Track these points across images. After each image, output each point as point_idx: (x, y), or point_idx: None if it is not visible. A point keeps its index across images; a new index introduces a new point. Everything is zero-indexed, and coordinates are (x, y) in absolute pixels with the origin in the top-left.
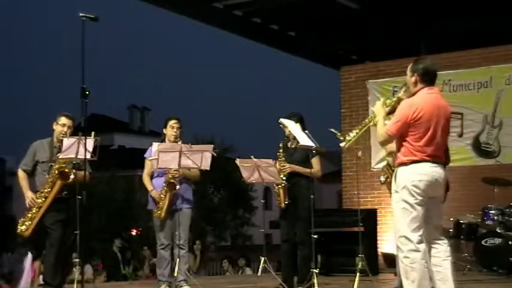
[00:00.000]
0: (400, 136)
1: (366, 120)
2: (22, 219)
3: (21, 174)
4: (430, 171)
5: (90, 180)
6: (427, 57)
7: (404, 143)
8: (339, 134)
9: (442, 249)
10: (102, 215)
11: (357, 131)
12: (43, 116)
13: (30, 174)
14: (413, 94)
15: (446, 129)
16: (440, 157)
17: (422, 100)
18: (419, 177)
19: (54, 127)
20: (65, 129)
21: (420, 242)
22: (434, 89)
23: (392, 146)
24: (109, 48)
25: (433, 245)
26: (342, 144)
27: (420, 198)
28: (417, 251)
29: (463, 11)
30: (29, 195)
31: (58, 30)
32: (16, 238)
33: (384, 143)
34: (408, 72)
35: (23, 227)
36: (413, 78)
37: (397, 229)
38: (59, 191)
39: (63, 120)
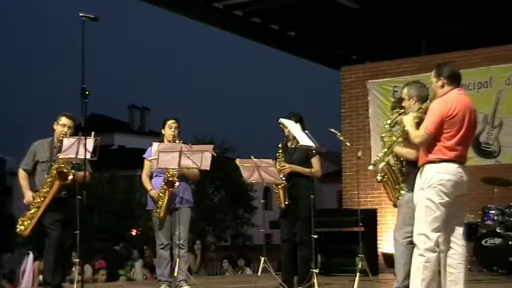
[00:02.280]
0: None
1: (394, 138)
2: (22, 218)
3: (21, 173)
4: (457, 171)
5: (90, 180)
6: (447, 62)
7: (435, 141)
8: (339, 134)
9: (459, 252)
10: (102, 215)
11: (385, 150)
12: (43, 116)
13: (31, 173)
14: (441, 96)
15: (474, 132)
16: (465, 158)
17: (456, 99)
18: (447, 177)
19: (55, 127)
20: (65, 129)
21: (438, 244)
22: (463, 91)
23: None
24: (109, 48)
25: (452, 245)
26: (370, 168)
27: (446, 198)
28: (433, 251)
29: (463, 11)
30: (28, 194)
31: (58, 30)
32: (16, 238)
33: (422, 144)
34: (433, 78)
35: (22, 227)
36: (439, 82)
37: (416, 227)
38: (57, 191)
39: (63, 120)
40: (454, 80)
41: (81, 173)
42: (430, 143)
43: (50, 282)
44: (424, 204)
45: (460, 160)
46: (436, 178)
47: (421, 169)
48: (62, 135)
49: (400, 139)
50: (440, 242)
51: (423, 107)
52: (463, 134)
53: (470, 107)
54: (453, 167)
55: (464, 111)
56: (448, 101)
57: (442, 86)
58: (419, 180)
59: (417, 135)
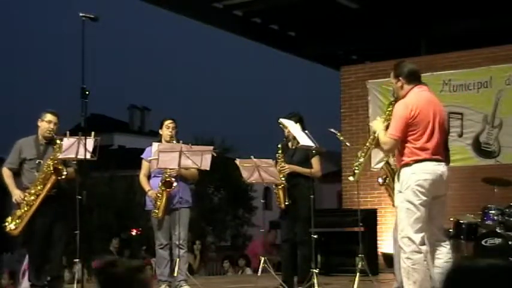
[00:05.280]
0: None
1: (368, 144)
2: (10, 217)
3: (6, 172)
4: (433, 169)
5: (76, 175)
6: (404, 60)
7: (405, 144)
8: (339, 134)
9: (445, 251)
10: (102, 215)
11: (362, 159)
12: None
13: (16, 172)
14: (403, 97)
15: (443, 126)
16: (442, 154)
17: (416, 98)
18: (424, 176)
19: (39, 124)
20: (52, 125)
21: (422, 243)
22: (424, 87)
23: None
24: (109, 48)
25: (436, 247)
26: (351, 179)
27: (424, 198)
28: (419, 252)
29: (463, 11)
30: (16, 193)
31: (58, 30)
32: (16, 238)
33: (390, 150)
34: (392, 80)
35: (12, 225)
36: (399, 83)
37: (400, 229)
38: (51, 188)
39: (49, 117)
40: (413, 78)
41: (70, 169)
42: (401, 147)
43: (34, 283)
44: (404, 206)
45: (435, 157)
46: (413, 179)
47: (397, 172)
48: (48, 131)
49: (373, 145)
50: (425, 242)
51: (390, 110)
52: (430, 131)
53: (433, 101)
54: (429, 166)
55: (427, 107)
56: (408, 103)
57: (402, 87)
58: (397, 184)
59: (384, 142)
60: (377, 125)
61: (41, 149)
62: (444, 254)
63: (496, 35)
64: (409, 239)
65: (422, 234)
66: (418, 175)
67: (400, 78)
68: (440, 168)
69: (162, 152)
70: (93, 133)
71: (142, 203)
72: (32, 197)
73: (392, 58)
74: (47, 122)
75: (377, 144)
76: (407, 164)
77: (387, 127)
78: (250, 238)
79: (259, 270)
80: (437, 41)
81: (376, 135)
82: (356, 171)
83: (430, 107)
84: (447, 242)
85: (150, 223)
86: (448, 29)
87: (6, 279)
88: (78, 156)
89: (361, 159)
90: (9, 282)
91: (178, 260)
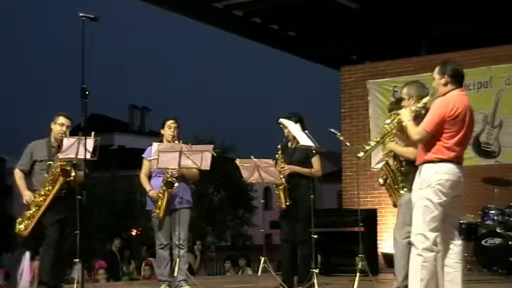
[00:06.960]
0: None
1: (387, 127)
2: (20, 218)
3: (18, 173)
4: (455, 171)
5: (85, 180)
6: (453, 59)
7: (435, 141)
8: (339, 134)
9: (456, 251)
10: (102, 215)
11: (377, 139)
12: (43, 116)
13: (27, 174)
14: (443, 94)
15: (472, 132)
16: (463, 158)
17: (459, 100)
18: (447, 177)
19: (52, 127)
20: (64, 128)
21: (436, 243)
22: (464, 92)
23: (391, 146)
24: (109, 48)
25: (449, 245)
26: (360, 155)
27: (444, 198)
28: (431, 251)
29: (463, 11)
30: (27, 193)
31: (58, 30)
32: (16, 238)
33: (420, 141)
34: (436, 75)
35: (22, 226)
36: (443, 80)
37: (414, 226)
38: (60, 189)
39: (61, 120)
40: (457, 80)
41: (80, 173)
42: (430, 142)
43: (46, 282)
44: (422, 203)
45: (458, 160)
46: (435, 178)
47: (419, 169)
48: (60, 134)
49: (394, 131)
50: (438, 242)
51: (424, 101)
52: (462, 134)
53: (470, 107)
54: (451, 167)
55: (465, 112)
56: (449, 101)
57: (446, 84)
58: (418, 180)
59: (416, 132)
60: (405, 114)
61: (52, 151)
62: (455, 254)
63: (496, 35)
64: (424, 236)
65: (436, 234)
66: (440, 175)
67: (446, 75)
68: (460, 171)
69: (161, 152)
70: (93, 133)
71: (142, 203)
72: (41, 198)
73: (393, 58)
74: (59, 125)
75: (400, 130)
76: (432, 161)
77: (414, 118)
78: (251, 238)
79: (259, 270)
80: (438, 41)
81: (403, 124)
82: (367, 147)
83: (467, 112)
84: (460, 242)
85: (150, 223)
86: (448, 29)
87: (1, 280)
88: (78, 156)
89: (377, 138)
90: (4, 283)
91: (178, 260)
